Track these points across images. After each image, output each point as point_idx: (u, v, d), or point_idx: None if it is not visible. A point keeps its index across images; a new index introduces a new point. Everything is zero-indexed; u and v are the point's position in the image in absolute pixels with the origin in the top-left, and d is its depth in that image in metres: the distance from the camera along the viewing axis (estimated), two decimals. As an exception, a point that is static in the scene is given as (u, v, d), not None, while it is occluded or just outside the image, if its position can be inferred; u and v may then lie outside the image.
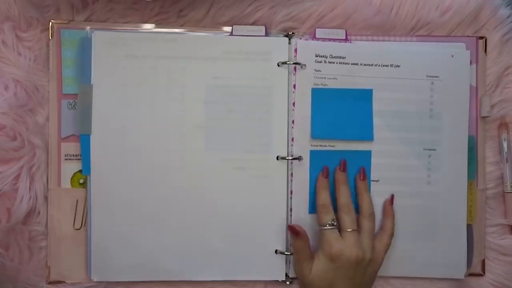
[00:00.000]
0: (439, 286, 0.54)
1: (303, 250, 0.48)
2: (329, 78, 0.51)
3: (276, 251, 0.51)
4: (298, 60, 0.51)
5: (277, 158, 0.51)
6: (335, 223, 0.47)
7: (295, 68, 0.51)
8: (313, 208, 0.50)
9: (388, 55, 0.52)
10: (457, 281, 0.53)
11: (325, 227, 0.47)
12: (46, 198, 0.51)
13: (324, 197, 0.49)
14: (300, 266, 0.48)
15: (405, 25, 0.53)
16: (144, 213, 0.51)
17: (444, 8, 0.53)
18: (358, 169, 0.51)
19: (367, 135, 0.51)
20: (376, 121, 0.52)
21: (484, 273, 0.54)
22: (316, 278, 0.46)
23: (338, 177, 0.50)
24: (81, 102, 0.50)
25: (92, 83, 0.50)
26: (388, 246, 0.49)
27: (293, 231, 0.48)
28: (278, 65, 0.51)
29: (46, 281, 0.51)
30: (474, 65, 0.53)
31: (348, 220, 0.47)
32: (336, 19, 0.52)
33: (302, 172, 0.51)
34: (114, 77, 0.50)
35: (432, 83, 0.52)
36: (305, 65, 0.51)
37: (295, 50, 0.51)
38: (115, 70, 0.50)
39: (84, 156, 0.50)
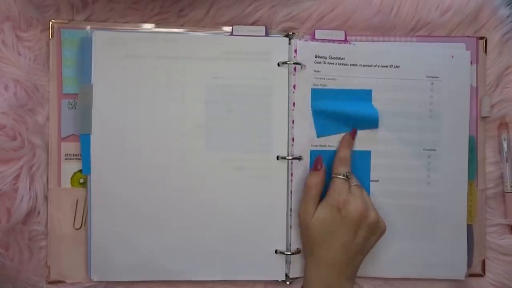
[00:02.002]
0: (439, 287, 0.53)
1: (315, 188, 0.48)
2: (328, 79, 0.51)
3: (276, 251, 0.51)
4: (298, 61, 0.51)
5: (277, 158, 0.51)
6: (349, 176, 0.48)
7: (295, 68, 0.51)
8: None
9: (387, 55, 0.52)
10: (457, 281, 0.53)
11: (339, 176, 0.48)
12: (46, 198, 0.51)
13: (346, 152, 0.50)
14: (305, 206, 0.48)
15: (405, 25, 0.53)
16: (144, 213, 0.51)
17: (444, 8, 0.53)
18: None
19: (373, 123, 0.51)
20: (376, 121, 0.52)
21: (484, 273, 0.54)
22: (317, 222, 0.46)
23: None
24: (81, 102, 0.50)
25: (92, 83, 0.50)
26: None
27: (318, 163, 0.49)
28: (278, 65, 0.51)
29: (46, 281, 0.51)
30: (474, 65, 0.53)
31: (353, 176, 0.49)
32: (336, 19, 0.52)
33: (302, 172, 0.51)
34: (114, 77, 0.50)
35: (432, 83, 0.52)
36: (304, 65, 0.51)
37: (295, 51, 0.51)
38: (115, 70, 0.50)
39: (84, 156, 0.50)
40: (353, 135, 0.51)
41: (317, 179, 0.48)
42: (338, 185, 0.47)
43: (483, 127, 0.54)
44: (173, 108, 0.51)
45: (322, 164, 0.49)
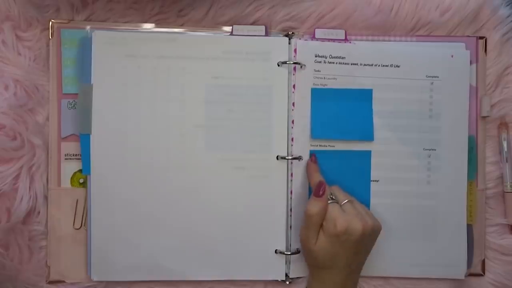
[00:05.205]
0: (439, 286, 0.54)
1: (316, 217, 0.46)
2: (328, 78, 0.51)
3: (276, 251, 0.51)
4: (298, 60, 0.51)
5: (277, 158, 0.51)
6: (334, 198, 0.47)
7: (294, 68, 0.51)
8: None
9: (388, 55, 0.52)
10: (457, 281, 0.53)
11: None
12: (46, 197, 0.51)
13: (317, 176, 0.49)
14: (307, 233, 0.46)
15: (405, 25, 0.53)
16: (144, 213, 0.51)
17: (444, 8, 0.53)
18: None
19: (368, 135, 0.51)
20: (376, 121, 0.52)
21: (484, 273, 0.54)
22: (320, 249, 0.46)
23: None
24: (81, 102, 0.50)
25: (92, 83, 0.50)
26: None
27: (320, 189, 0.47)
28: (278, 65, 0.51)
29: (46, 281, 0.51)
30: (474, 65, 0.53)
31: (340, 193, 0.48)
32: (336, 19, 0.52)
33: (302, 172, 0.51)
34: (114, 77, 0.50)
35: (432, 83, 0.52)
36: (304, 65, 0.51)
37: (295, 50, 0.51)
38: (115, 70, 0.50)
39: (84, 155, 0.50)
40: (313, 159, 0.51)
41: (319, 206, 0.46)
42: (329, 213, 0.46)
43: (483, 127, 0.54)
44: (173, 108, 0.51)
45: (325, 190, 0.47)
